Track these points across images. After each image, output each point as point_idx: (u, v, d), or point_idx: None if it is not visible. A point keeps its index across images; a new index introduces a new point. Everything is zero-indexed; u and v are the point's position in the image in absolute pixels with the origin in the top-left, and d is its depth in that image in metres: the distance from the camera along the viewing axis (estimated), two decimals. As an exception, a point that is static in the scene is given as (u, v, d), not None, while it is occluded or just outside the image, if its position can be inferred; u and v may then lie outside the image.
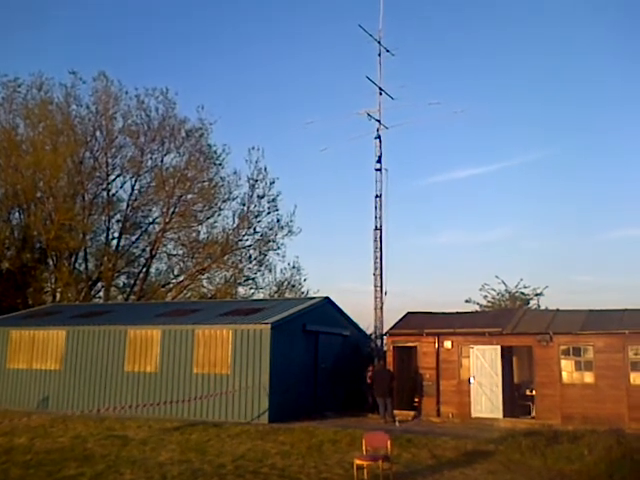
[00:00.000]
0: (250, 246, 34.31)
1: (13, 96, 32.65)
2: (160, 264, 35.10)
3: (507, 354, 19.51)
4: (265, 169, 34.05)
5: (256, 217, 34.14)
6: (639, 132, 52.79)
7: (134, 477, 11.00)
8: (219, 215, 34.32)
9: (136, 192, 33.97)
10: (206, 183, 33.73)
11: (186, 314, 21.16)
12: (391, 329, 20.76)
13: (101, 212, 33.53)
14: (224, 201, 34.18)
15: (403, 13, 55.79)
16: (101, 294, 33.96)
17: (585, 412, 17.04)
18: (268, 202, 34.16)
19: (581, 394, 17.53)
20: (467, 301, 28.65)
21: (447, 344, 19.32)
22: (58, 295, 32.84)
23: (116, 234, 33.99)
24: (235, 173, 34.23)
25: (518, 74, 56.60)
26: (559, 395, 17.75)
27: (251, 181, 33.93)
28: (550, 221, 52.33)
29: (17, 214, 33.40)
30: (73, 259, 33.29)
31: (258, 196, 34.04)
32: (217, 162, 34.32)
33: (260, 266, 34.56)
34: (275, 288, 34.70)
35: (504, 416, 18.20)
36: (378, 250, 22.31)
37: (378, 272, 22.07)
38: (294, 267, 34.92)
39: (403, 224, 53.53)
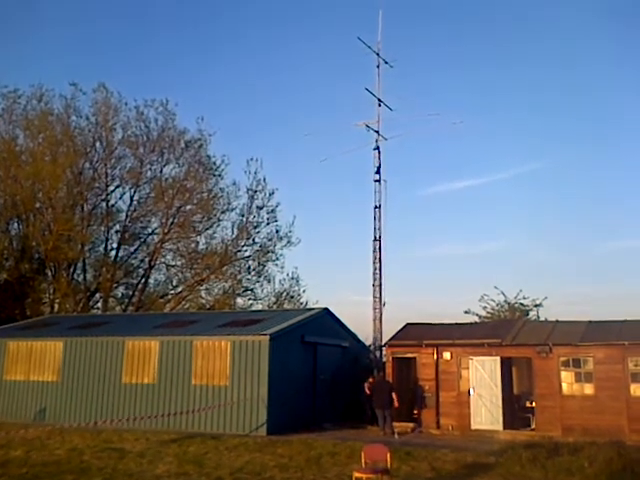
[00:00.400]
0: (249, 257, 34.30)
1: (13, 107, 32.76)
2: (159, 275, 35.09)
3: (507, 365, 19.42)
4: (264, 180, 34.13)
5: (255, 228, 34.15)
6: (636, 143, 52.92)
7: (131, 490, 10.91)
8: (218, 226, 34.34)
9: (135, 203, 34.03)
10: (205, 194, 33.75)
11: (184, 325, 21.09)
12: (390, 340, 20.67)
13: (100, 223, 33.51)
14: (223, 212, 34.21)
15: (402, 25, 56.07)
16: (99, 305, 33.90)
17: (585, 424, 16.94)
18: (267, 213, 34.22)
19: (581, 406, 17.44)
20: (466, 312, 28.64)
21: (446, 355, 19.24)
22: (56, 306, 32.75)
23: (115, 245, 34.00)
24: (234, 184, 34.28)
25: (516, 86, 56.86)
26: (559, 407, 17.65)
27: (250, 192, 33.99)
28: (549, 232, 52.37)
29: (16, 225, 33.41)
30: (71, 270, 33.22)
31: (257, 207, 34.09)
32: (216, 173, 34.37)
33: (259, 277, 34.56)
34: (274, 299, 34.63)
35: (504, 428, 18.08)
36: (377, 261, 22.29)
37: (377, 283, 22.04)
38: (293, 278, 34.92)
39: (402, 235, 53.50)
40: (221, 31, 65.35)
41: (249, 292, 34.59)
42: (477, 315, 28.41)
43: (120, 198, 34.08)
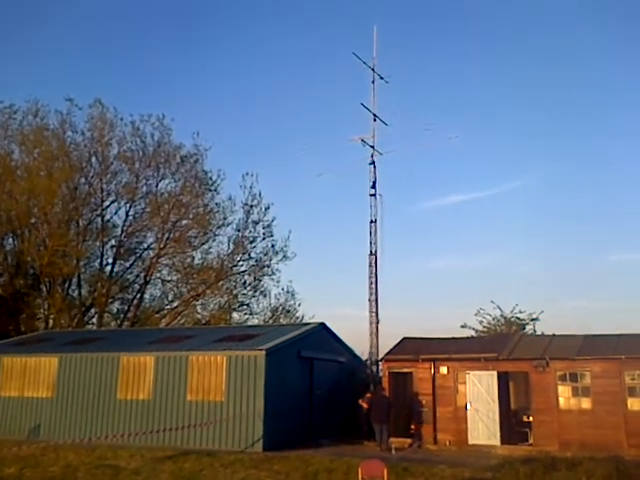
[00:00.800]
0: (245, 272, 34.24)
1: (9, 122, 32.76)
2: (154, 290, 34.94)
3: (503, 380, 19.35)
4: (260, 195, 34.17)
5: (251, 243, 34.13)
6: (629, 157, 53.20)
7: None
8: (214, 241, 34.28)
9: (131, 218, 33.94)
10: (201, 209, 33.73)
11: (180, 340, 20.99)
12: (386, 355, 20.60)
13: (95, 238, 33.41)
14: (219, 227, 34.17)
15: (397, 40, 56.50)
16: (94, 320, 33.71)
17: (583, 438, 16.86)
18: (263, 228, 34.21)
19: (578, 420, 17.37)
20: (463, 326, 28.61)
21: (443, 370, 19.17)
22: (51, 321, 32.56)
23: (110, 260, 33.84)
24: (230, 199, 34.26)
25: (511, 101, 57.25)
26: (556, 421, 17.58)
27: (246, 207, 34.01)
28: (545, 246, 52.45)
29: (11, 240, 33.30)
30: (66, 285, 33.08)
31: (253, 222, 34.09)
32: (212, 188, 34.36)
33: (255, 292, 34.48)
34: (270, 314, 34.53)
35: (501, 443, 17.99)
36: (373, 275, 22.31)
37: (373, 297, 22.04)
38: (288, 292, 34.85)
39: (398, 249, 53.58)
40: (217, 46, 65.75)
41: (245, 307, 34.54)
42: (473, 329, 28.42)
43: (115, 213, 34.09)
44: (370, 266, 22.42)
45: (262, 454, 15.97)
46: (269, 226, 34.20)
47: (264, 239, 34.16)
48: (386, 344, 21.54)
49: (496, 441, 18.07)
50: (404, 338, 21.64)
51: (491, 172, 57.88)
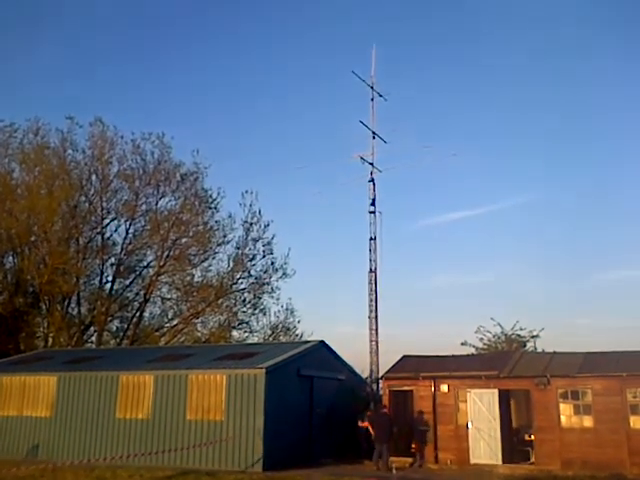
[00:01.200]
0: (244, 289, 34.15)
1: (9, 141, 32.85)
2: (154, 308, 34.82)
3: (505, 398, 19.25)
4: (259, 212, 34.15)
5: (251, 260, 34.07)
6: (630, 174, 53.34)
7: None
8: (214, 258, 34.20)
9: (130, 236, 33.90)
10: (201, 227, 33.72)
11: (179, 359, 20.91)
12: (387, 373, 20.51)
13: (95, 256, 33.36)
14: (219, 244, 34.12)
15: (397, 59, 56.90)
16: (94, 339, 33.58)
17: (585, 457, 16.75)
18: (263, 245, 34.15)
19: (580, 439, 17.24)
20: (463, 344, 28.46)
21: (443, 388, 19.08)
22: (50, 340, 32.44)
23: (110, 278, 33.75)
24: (230, 216, 34.25)
25: (509, 117, 57.50)
26: (558, 440, 17.45)
27: (246, 224, 34.00)
28: (545, 262, 52.35)
29: (11, 258, 33.24)
30: (66, 303, 32.98)
31: (253, 239, 34.05)
32: (212, 206, 34.37)
33: (254, 309, 34.35)
34: (269, 331, 34.38)
35: (503, 462, 17.86)
36: (373, 292, 22.25)
37: (373, 315, 21.98)
38: (288, 309, 34.73)
39: (398, 266, 53.50)
40: (218, 64, 66.18)
41: (244, 325, 34.40)
42: (474, 347, 28.28)
43: (115, 231, 34.05)
44: (370, 283, 22.38)
45: (262, 474, 15.87)
46: (269, 244, 34.21)
47: (264, 257, 34.16)
48: (386, 362, 21.49)
49: (498, 460, 17.94)
50: (404, 356, 21.56)
51: (490, 189, 58.03)
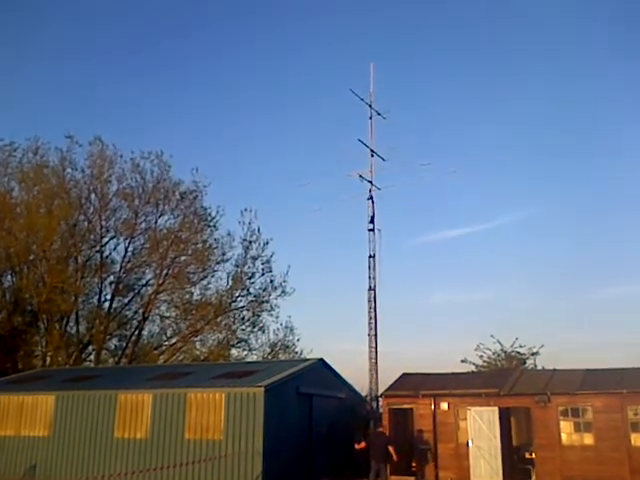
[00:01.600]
0: (243, 307, 34.09)
1: (9, 160, 32.98)
2: (153, 326, 34.72)
3: (505, 415, 19.15)
4: (259, 230, 34.18)
5: (250, 278, 34.05)
6: (631, 189, 53.46)
7: None
8: (213, 277, 34.18)
9: (129, 254, 33.86)
10: (200, 245, 33.72)
11: (178, 377, 20.82)
12: (386, 391, 20.43)
13: (94, 274, 33.33)
14: (218, 263, 34.10)
15: (395, 77, 57.30)
16: (92, 357, 33.46)
17: (586, 475, 16.64)
18: (262, 263, 34.14)
19: (581, 456, 17.14)
20: (463, 361, 28.42)
21: (444, 406, 18.99)
22: (48, 359, 32.33)
23: (108, 296, 33.68)
24: (229, 234, 34.25)
25: (507, 134, 57.77)
26: (559, 457, 17.35)
27: (245, 242, 34.01)
28: (544, 279, 52.35)
29: (9, 277, 33.23)
30: (64, 322, 32.88)
31: (252, 257, 34.05)
32: (211, 224, 34.41)
33: (253, 327, 34.26)
34: (268, 349, 34.30)
35: (504, 480, 17.75)
36: (372, 310, 22.19)
37: (372, 332, 21.90)
38: (287, 327, 34.67)
39: (398, 283, 53.43)
40: (216, 82, 66.58)
41: (244, 343, 34.31)
42: (474, 364, 28.22)
43: (114, 249, 34.02)
44: (369, 301, 22.33)
45: (261, 493, 15.73)
46: (268, 262, 34.21)
47: (263, 275, 34.15)
48: (386, 379, 21.39)
49: (498, 478, 17.84)
50: (404, 374, 21.49)
51: (489, 206, 58.17)
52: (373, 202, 23.50)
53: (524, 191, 56.44)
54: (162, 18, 63.77)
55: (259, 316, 34.25)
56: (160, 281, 33.01)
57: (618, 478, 16.36)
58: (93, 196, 33.17)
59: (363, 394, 23.07)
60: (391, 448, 17.60)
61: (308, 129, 61.33)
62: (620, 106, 52.28)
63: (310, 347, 34.48)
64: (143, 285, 34.52)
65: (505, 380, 19.60)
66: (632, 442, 16.73)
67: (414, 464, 19.08)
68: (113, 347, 34.80)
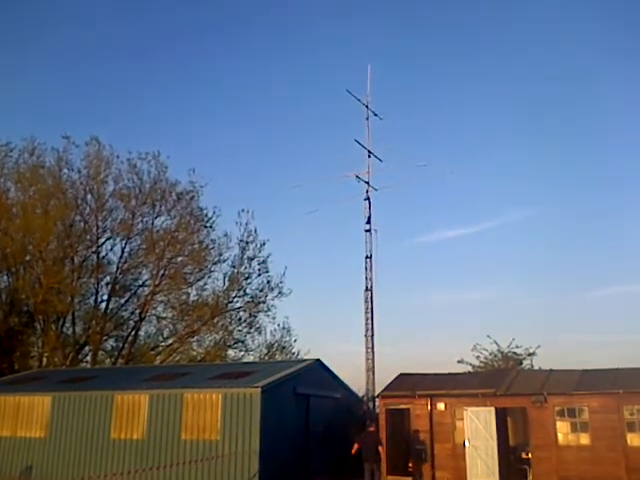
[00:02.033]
0: (240, 308, 34.06)
1: (5, 160, 32.86)
2: (149, 327, 34.65)
3: (501, 416, 19.17)
4: (255, 231, 34.16)
5: (246, 279, 34.02)
6: (629, 190, 53.56)
7: None
8: (209, 277, 34.15)
9: (126, 255, 33.79)
10: (196, 245, 33.67)
11: (174, 378, 20.80)
12: (383, 391, 20.43)
13: (90, 275, 33.26)
14: (214, 263, 34.07)
15: (392, 78, 57.35)
16: (88, 358, 33.39)
17: (582, 475, 16.68)
18: (258, 264, 34.12)
19: (577, 456, 17.16)
20: (459, 361, 28.41)
21: (440, 406, 19.00)
22: (45, 359, 32.26)
23: (105, 297, 33.60)
24: (226, 235, 34.22)
25: (505, 133, 57.87)
26: (555, 457, 17.37)
27: (241, 243, 33.97)
28: (541, 279, 52.45)
29: (5, 277, 33.12)
30: (61, 323, 32.81)
31: (248, 258, 34.01)
32: (208, 225, 34.36)
33: (250, 328, 34.23)
34: (265, 350, 34.28)
35: (500, 480, 17.76)
36: (369, 311, 22.21)
37: (369, 333, 21.92)
38: (284, 328, 34.65)
39: (395, 283, 53.42)
40: (213, 83, 66.58)
41: (240, 344, 34.27)
42: (470, 365, 28.23)
43: (111, 250, 33.91)
44: (366, 302, 22.35)
45: (258, 494, 15.71)
46: (264, 262, 34.19)
47: (259, 275, 34.13)
48: (383, 379, 21.40)
49: (495, 479, 17.84)
50: (401, 374, 21.50)
51: (487, 206, 58.28)
52: (370, 203, 23.54)
53: (522, 192, 56.49)
54: (159, 19, 63.83)
55: (256, 317, 34.27)
56: (157, 282, 32.97)
57: (614, 478, 16.39)
58: (89, 196, 33.13)
59: (360, 394, 23.08)
60: (380, 448, 17.51)
61: (305, 130, 61.39)
62: (620, 106, 52.44)
63: (307, 348, 34.48)
64: (140, 286, 34.48)
65: (502, 380, 19.62)
66: (628, 442, 16.75)
67: (411, 464, 19.08)
68: (110, 348, 34.75)
